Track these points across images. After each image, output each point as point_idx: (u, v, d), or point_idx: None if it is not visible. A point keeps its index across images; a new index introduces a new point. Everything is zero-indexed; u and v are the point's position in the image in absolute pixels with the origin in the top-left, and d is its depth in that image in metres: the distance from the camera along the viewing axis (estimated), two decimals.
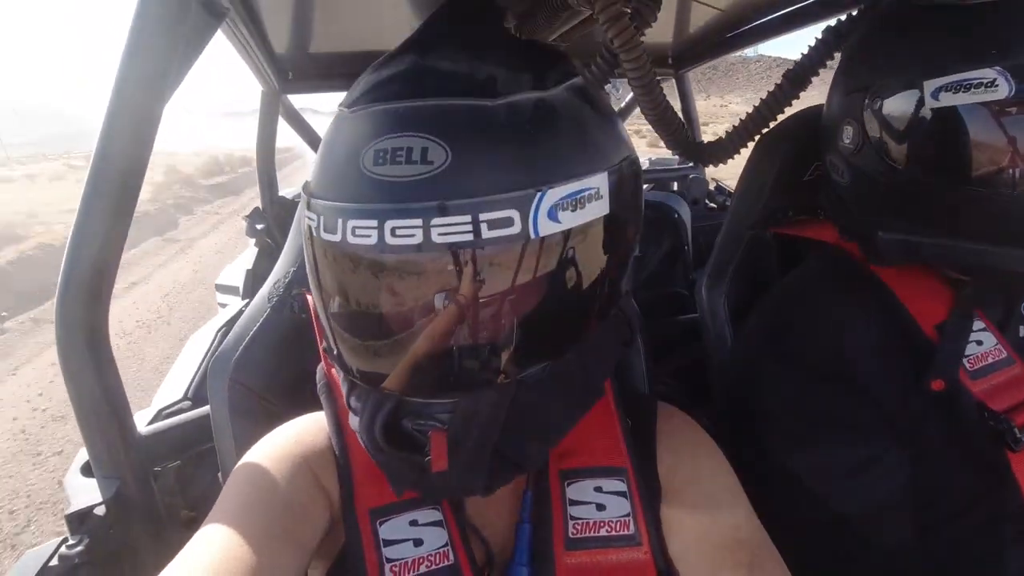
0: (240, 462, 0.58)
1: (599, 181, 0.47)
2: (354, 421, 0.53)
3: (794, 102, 1.07)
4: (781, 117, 1.04)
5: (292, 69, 1.84)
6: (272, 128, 2.00)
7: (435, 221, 0.42)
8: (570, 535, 0.56)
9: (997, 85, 0.63)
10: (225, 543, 0.49)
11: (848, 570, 0.72)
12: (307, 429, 0.61)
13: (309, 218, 0.49)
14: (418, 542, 0.55)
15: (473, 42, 0.50)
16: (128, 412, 0.79)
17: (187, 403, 1.19)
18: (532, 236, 0.43)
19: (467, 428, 0.48)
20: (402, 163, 0.43)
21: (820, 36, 1.04)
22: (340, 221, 0.45)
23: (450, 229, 0.42)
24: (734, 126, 1.16)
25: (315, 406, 0.65)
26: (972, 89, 0.65)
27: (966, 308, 0.75)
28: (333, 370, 0.64)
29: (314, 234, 0.48)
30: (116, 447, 0.77)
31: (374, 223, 0.43)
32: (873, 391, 0.74)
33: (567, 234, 0.45)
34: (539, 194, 0.43)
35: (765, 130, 1.04)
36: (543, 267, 0.46)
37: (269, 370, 0.77)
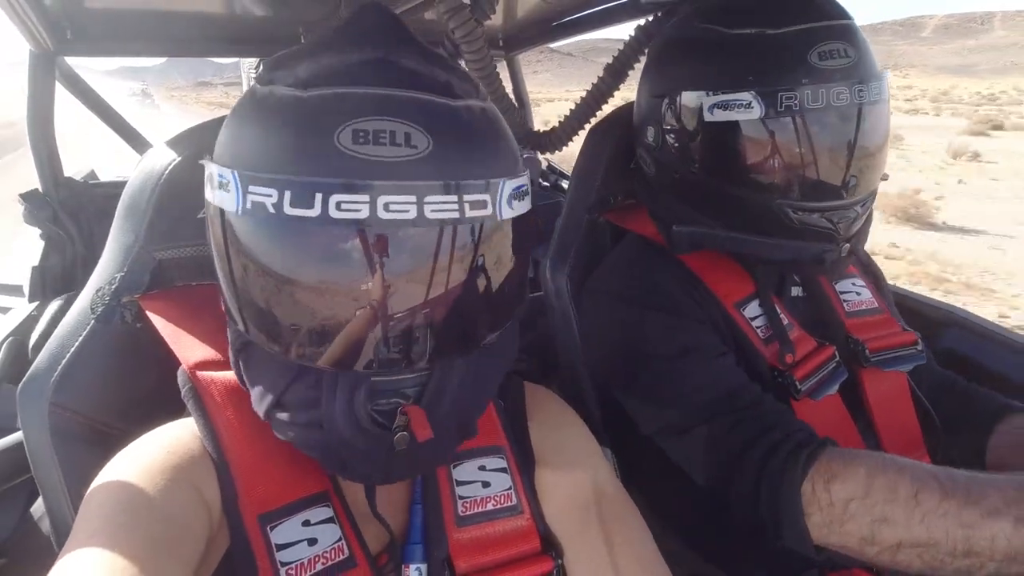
0: (99, 481, 0.53)
1: (526, 179, 0.54)
2: (297, 416, 0.52)
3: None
4: (608, 108, 1.16)
5: (70, 27, 1.56)
6: (47, 95, 1.67)
7: (428, 198, 0.46)
8: (460, 514, 0.61)
9: (752, 106, 0.79)
10: (100, 567, 0.45)
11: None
12: (177, 438, 0.57)
13: (263, 193, 0.46)
14: (312, 541, 0.55)
15: (423, 49, 0.53)
16: None
17: None
18: (499, 218, 0.50)
19: (440, 400, 0.52)
20: (386, 144, 0.46)
21: (632, 34, 1.16)
22: (319, 195, 0.44)
23: (441, 207, 0.46)
24: (565, 116, 1.26)
25: (159, 422, 0.60)
26: (734, 108, 0.80)
27: (764, 293, 0.92)
28: (199, 374, 0.61)
29: (273, 210, 0.45)
30: None
31: (365, 198, 0.44)
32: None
33: (515, 219, 0.52)
34: (501, 183, 0.50)
35: (594, 120, 1.15)
36: (501, 246, 0.52)
37: (99, 390, 0.69)
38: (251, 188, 0.47)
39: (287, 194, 0.45)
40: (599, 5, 1.47)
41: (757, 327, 0.89)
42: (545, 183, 2.54)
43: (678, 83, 0.87)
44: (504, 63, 2.20)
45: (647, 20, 1.13)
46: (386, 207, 0.45)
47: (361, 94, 0.47)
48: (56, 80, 1.67)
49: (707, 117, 0.83)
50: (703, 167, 0.87)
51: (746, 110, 0.79)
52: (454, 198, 0.47)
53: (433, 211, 0.46)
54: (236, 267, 0.51)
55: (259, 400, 0.54)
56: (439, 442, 0.52)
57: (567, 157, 1.42)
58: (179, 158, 0.70)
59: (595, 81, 1.22)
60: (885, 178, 0.88)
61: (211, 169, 0.52)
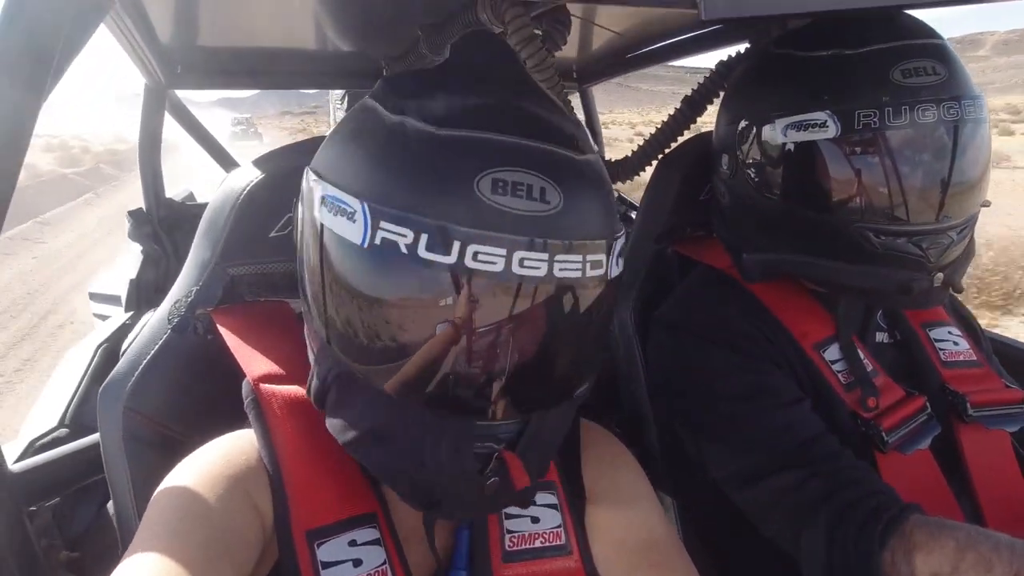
0: (163, 486, 0.54)
1: (623, 238, 0.54)
2: (393, 449, 0.52)
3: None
4: (682, 138, 1.13)
5: (180, 62, 1.71)
6: (157, 125, 1.84)
7: (559, 257, 0.46)
8: (507, 548, 0.60)
9: (827, 126, 0.75)
10: (157, 571, 0.46)
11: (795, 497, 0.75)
12: (237, 448, 0.58)
13: (397, 232, 0.45)
14: (357, 562, 0.55)
15: (543, 93, 0.53)
16: None
17: (64, 431, 1.07)
18: (610, 276, 0.51)
19: (532, 446, 0.52)
20: (523, 198, 0.46)
21: (714, 68, 1.14)
22: (457, 244, 0.44)
23: (568, 266, 0.47)
24: (640, 146, 1.24)
25: (222, 431, 0.62)
26: (808, 128, 0.77)
27: (846, 335, 0.85)
28: (262, 386, 0.62)
29: (406, 251, 0.45)
30: None
31: (502, 252, 0.45)
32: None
33: (618, 277, 0.53)
34: (615, 242, 0.51)
35: (668, 150, 1.13)
36: (607, 303, 0.52)
37: (170, 397, 0.72)
38: (383, 224, 0.46)
39: (424, 237, 0.44)
40: (673, 38, 1.46)
41: (838, 371, 0.82)
42: None
43: (751, 108, 0.84)
44: (577, 94, 2.22)
45: (729, 55, 1.10)
46: (521, 263, 0.45)
47: (499, 142, 0.47)
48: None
49: (780, 139, 0.80)
50: (778, 191, 0.83)
51: (820, 129, 0.75)
52: (579, 258, 0.47)
53: (561, 270, 0.46)
54: (343, 297, 0.50)
55: (344, 428, 0.53)
56: (529, 490, 0.53)
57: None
58: (256, 180, 0.74)
59: (672, 112, 1.20)
60: (987, 204, 0.81)
61: (328, 191, 0.50)
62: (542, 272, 0.46)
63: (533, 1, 0.89)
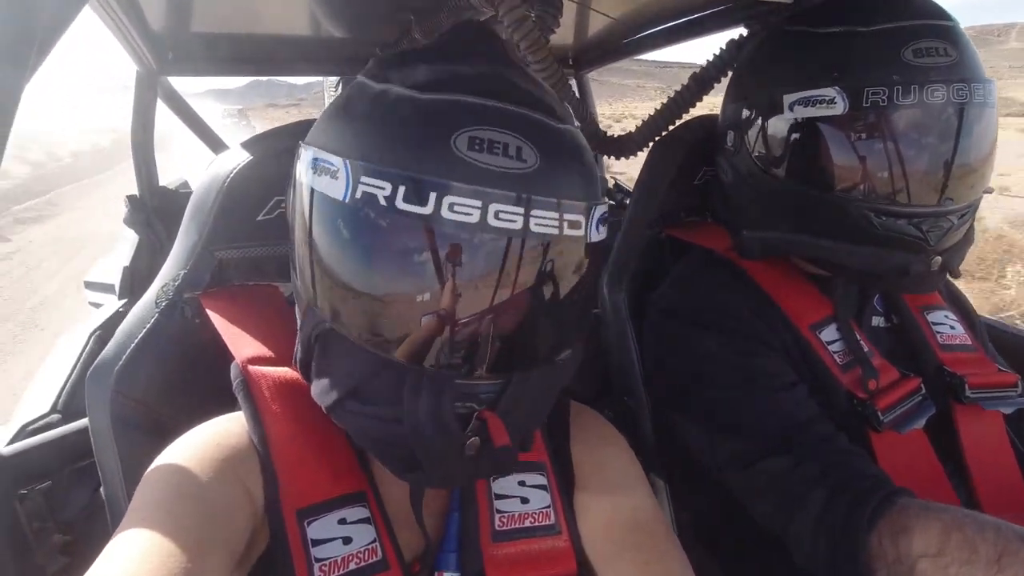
0: (154, 467, 0.55)
1: (605, 206, 0.55)
2: (376, 410, 0.52)
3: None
4: (686, 116, 1.12)
5: (172, 49, 1.70)
6: (149, 112, 1.82)
7: (535, 212, 0.47)
8: (496, 528, 0.60)
9: (836, 102, 0.74)
10: (148, 551, 0.46)
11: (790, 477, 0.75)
12: (227, 430, 0.59)
13: (376, 185, 0.46)
14: (347, 540, 0.55)
15: (524, 69, 0.55)
16: None
17: (56, 416, 1.07)
18: (590, 239, 0.52)
19: (515, 408, 0.52)
20: (499, 155, 0.47)
21: (723, 47, 1.13)
22: (433, 194, 0.45)
23: (544, 221, 0.48)
24: (643, 121, 1.22)
25: (212, 414, 0.62)
26: (817, 104, 0.76)
27: (843, 317, 0.85)
28: (251, 368, 0.62)
29: (384, 203, 0.46)
30: None
31: (477, 203, 0.46)
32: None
33: (599, 243, 0.54)
34: (595, 207, 0.52)
35: (671, 127, 1.11)
36: (586, 266, 0.53)
37: (158, 380, 0.72)
38: (363, 179, 0.47)
39: (401, 188, 0.46)
40: (669, 22, 1.45)
41: (834, 352, 0.82)
42: (611, 201, 2.50)
43: (761, 83, 0.83)
44: (573, 81, 2.20)
45: (740, 35, 1.09)
46: (496, 215, 0.46)
47: (478, 104, 0.48)
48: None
49: (788, 115, 0.79)
50: (781, 169, 0.82)
51: (829, 106, 0.75)
52: (555, 215, 0.48)
53: (537, 224, 0.47)
54: (329, 253, 0.51)
55: (326, 390, 0.54)
56: (508, 450, 0.52)
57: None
58: (243, 163, 0.73)
59: (679, 88, 1.18)
60: (989, 191, 0.81)
61: (312, 154, 0.52)
62: (518, 225, 0.46)
63: None
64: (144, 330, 0.72)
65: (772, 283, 0.86)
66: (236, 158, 0.74)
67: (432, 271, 0.48)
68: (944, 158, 0.74)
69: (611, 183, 2.58)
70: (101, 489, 0.87)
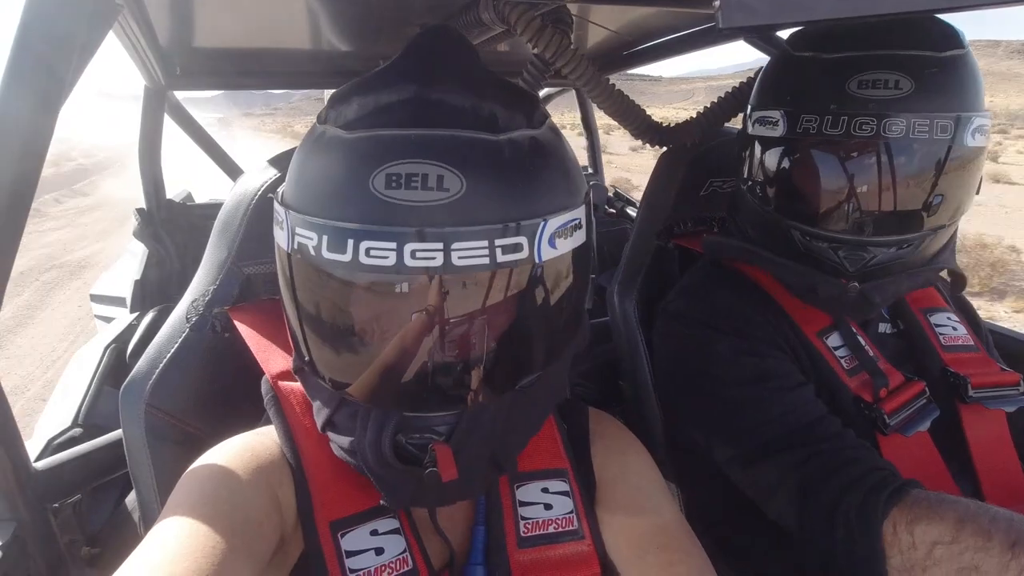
0: (188, 473, 0.56)
1: (580, 212, 0.53)
2: (341, 439, 0.55)
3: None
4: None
5: (180, 64, 1.72)
6: (157, 126, 1.85)
7: (455, 245, 0.45)
8: (521, 534, 0.61)
9: (777, 124, 0.80)
10: (179, 551, 0.48)
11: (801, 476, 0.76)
12: (260, 443, 0.60)
13: (306, 236, 0.48)
14: (379, 551, 0.57)
15: (470, 79, 0.52)
16: (22, 447, 0.72)
17: (78, 430, 1.08)
18: (537, 261, 0.48)
19: (468, 439, 0.53)
20: (418, 188, 0.45)
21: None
22: (351, 241, 0.46)
23: (469, 253, 0.45)
24: (698, 112, 1.19)
25: (242, 427, 0.64)
26: (766, 124, 0.82)
27: (844, 322, 0.87)
28: (281, 383, 0.64)
29: (313, 253, 0.48)
30: (10, 487, 0.70)
31: (392, 245, 0.45)
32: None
33: (558, 259, 0.50)
34: (543, 223, 0.48)
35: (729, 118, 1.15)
36: (541, 288, 0.50)
37: (190, 394, 0.74)
38: (297, 230, 0.49)
39: (324, 239, 0.47)
40: (670, 35, 1.48)
41: (841, 357, 0.85)
42: (612, 210, 2.53)
43: (753, 100, 0.89)
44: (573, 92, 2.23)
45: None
46: (413, 255, 0.45)
47: (395, 136, 0.47)
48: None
49: (749, 130, 0.86)
50: (741, 180, 0.90)
51: (772, 127, 0.80)
52: (483, 243, 0.46)
53: (461, 258, 0.45)
54: (286, 297, 0.55)
55: (317, 414, 0.58)
56: (466, 479, 0.53)
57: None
58: (270, 179, 0.75)
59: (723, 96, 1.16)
60: (940, 227, 0.79)
61: (275, 204, 0.54)
62: (437, 262, 0.45)
63: (535, 1, 0.90)
64: (175, 346, 0.73)
65: (779, 291, 0.89)
66: (264, 175, 0.76)
67: (363, 316, 0.50)
68: (864, 189, 0.76)
69: (611, 192, 2.61)
70: (127, 500, 0.88)
